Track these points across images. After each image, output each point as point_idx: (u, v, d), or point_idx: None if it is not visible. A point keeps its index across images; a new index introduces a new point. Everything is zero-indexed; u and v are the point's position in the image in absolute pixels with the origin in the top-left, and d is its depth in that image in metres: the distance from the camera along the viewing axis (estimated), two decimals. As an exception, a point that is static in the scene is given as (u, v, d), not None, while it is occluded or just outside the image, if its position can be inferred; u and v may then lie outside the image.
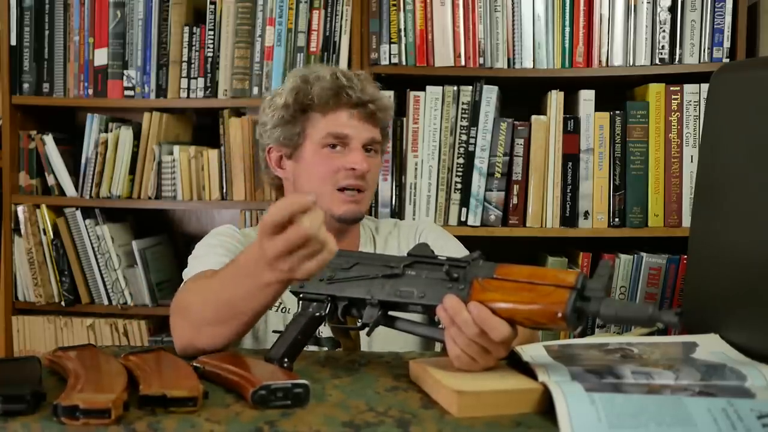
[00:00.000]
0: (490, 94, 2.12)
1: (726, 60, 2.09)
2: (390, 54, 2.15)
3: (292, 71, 1.65)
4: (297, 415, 0.91)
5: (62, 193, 2.34)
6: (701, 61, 2.11)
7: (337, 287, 1.11)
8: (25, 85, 2.33)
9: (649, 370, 0.98)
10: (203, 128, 2.46)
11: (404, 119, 2.15)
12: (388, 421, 0.89)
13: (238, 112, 2.30)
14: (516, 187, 2.13)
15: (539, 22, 2.13)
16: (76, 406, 0.85)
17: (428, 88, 2.15)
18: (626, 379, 0.95)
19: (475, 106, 2.12)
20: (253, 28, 2.24)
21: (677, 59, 2.12)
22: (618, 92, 2.27)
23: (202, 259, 1.42)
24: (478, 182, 2.12)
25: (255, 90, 2.24)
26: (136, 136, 2.29)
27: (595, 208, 2.13)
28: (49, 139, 2.34)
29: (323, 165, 1.46)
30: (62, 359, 1.05)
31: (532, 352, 1.05)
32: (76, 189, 2.32)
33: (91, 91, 2.31)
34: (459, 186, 2.14)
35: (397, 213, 2.17)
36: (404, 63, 2.16)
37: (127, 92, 2.30)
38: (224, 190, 2.26)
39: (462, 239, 1.61)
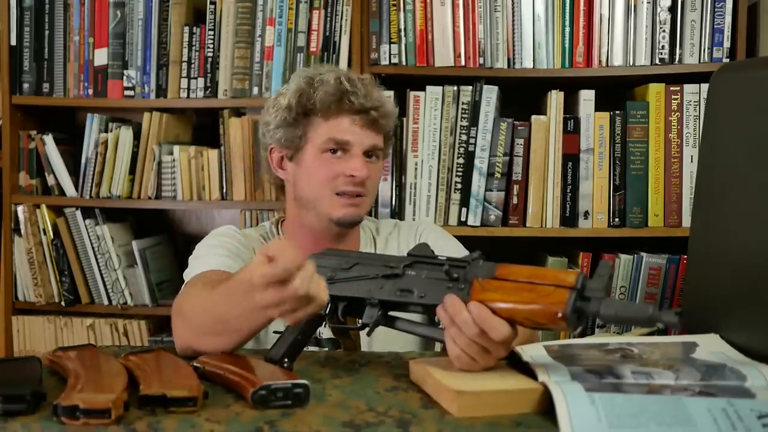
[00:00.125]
0: (490, 94, 2.12)
1: (726, 60, 2.09)
2: (390, 54, 2.15)
3: (298, 71, 1.64)
4: (297, 415, 0.91)
5: (62, 193, 2.34)
6: (701, 61, 2.10)
7: (338, 287, 1.11)
8: (25, 85, 2.33)
9: (649, 370, 0.98)
10: (203, 128, 2.45)
11: (404, 119, 2.15)
12: (388, 421, 0.89)
13: (238, 112, 2.30)
14: (516, 187, 2.13)
15: (539, 22, 2.13)
16: (76, 406, 0.85)
17: (428, 88, 2.15)
18: (626, 379, 0.95)
19: (475, 106, 2.12)
20: (253, 28, 2.24)
21: (677, 59, 2.12)
22: (618, 92, 2.27)
23: (202, 259, 1.42)
24: (478, 182, 2.12)
25: (255, 90, 2.24)
26: (136, 136, 2.29)
27: (595, 208, 2.13)
28: (49, 139, 2.34)
29: (323, 169, 1.46)
30: (62, 359, 1.05)
31: (532, 352, 1.05)
32: (76, 189, 2.32)
33: (91, 91, 2.31)
34: (459, 186, 2.14)
35: (397, 213, 2.17)
36: (404, 63, 2.16)
37: (127, 92, 2.30)
38: (224, 190, 2.26)
39: (462, 239, 1.60)
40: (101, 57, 2.30)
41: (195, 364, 1.07)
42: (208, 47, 2.26)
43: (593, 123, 2.11)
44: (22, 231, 2.32)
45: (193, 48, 2.27)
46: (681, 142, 2.10)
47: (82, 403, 0.85)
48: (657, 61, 2.12)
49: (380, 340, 1.35)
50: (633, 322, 0.93)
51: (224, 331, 1.12)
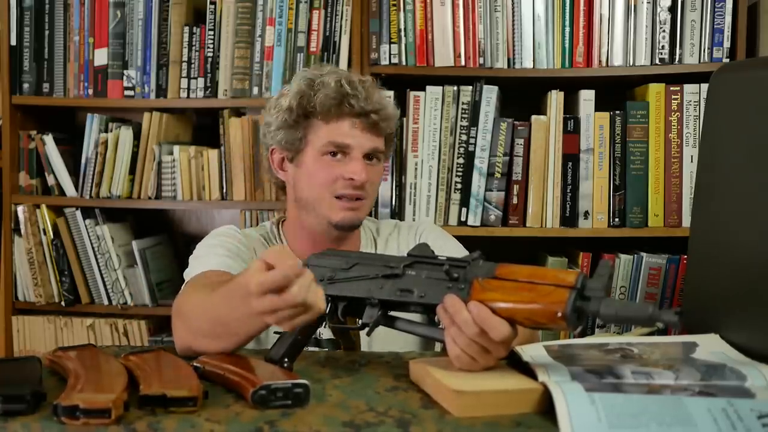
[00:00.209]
0: (490, 94, 2.12)
1: (726, 60, 2.09)
2: (390, 54, 2.15)
3: (300, 72, 1.64)
4: (297, 415, 0.91)
5: (62, 193, 2.34)
6: (701, 61, 2.11)
7: (337, 287, 1.11)
8: (25, 85, 2.33)
9: (649, 370, 0.98)
10: (203, 128, 2.46)
11: (404, 119, 2.15)
12: (388, 421, 0.89)
13: (238, 112, 2.30)
14: (516, 187, 2.13)
15: (539, 22, 2.13)
16: (77, 406, 0.85)
17: (428, 88, 2.15)
18: (626, 379, 0.95)
19: (475, 106, 2.12)
20: (253, 28, 2.24)
21: (677, 59, 2.12)
22: (618, 92, 2.27)
23: (202, 259, 1.42)
24: (478, 182, 2.12)
25: (255, 90, 2.24)
26: (136, 136, 2.29)
27: (595, 208, 2.13)
28: (49, 139, 2.34)
29: (323, 172, 1.45)
30: (62, 359, 1.05)
31: (532, 352, 1.05)
32: (76, 189, 2.32)
33: (91, 91, 2.31)
34: (459, 186, 2.14)
35: (397, 213, 2.17)
36: (404, 63, 2.16)
37: (127, 92, 2.30)
38: (224, 190, 2.26)
39: (462, 239, 1.60)
40: (101, 57, 2.30)
41: (195, 364, 1.07)
42: (208, 47, 2.26)
43: (593, 123, 2.11)
44: (22, 231, 2.32)
45: (193, 48, 2.27)
46: (681, 142, 2.10)
47: (82, 403, 0.85)
48: (657, 61, 2.12)
49: (380, 340, 1.35)
50: (633, 322, 0.93)
51: (223, 333, 1.12)
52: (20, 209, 2.32)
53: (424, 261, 1.07)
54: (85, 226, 2.31)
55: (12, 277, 2.35)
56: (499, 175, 2.12)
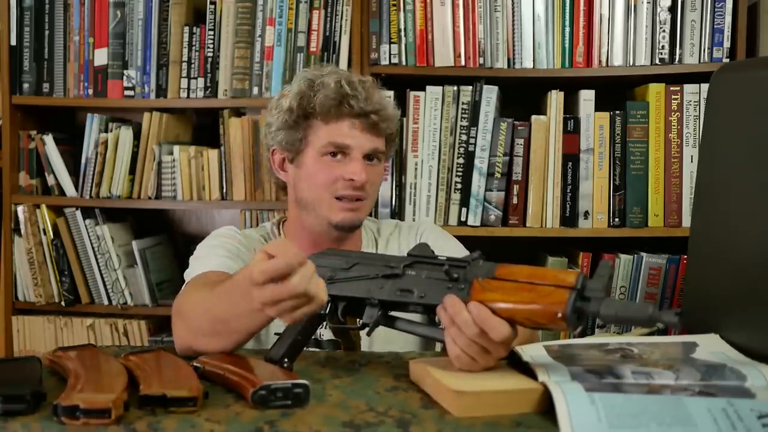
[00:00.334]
0: (490, 94, 2.12)
1: (726, 60, 2.09)
2: (390, 54, 2.15)
3: (300, 72, 1.64)
4: (297, 415, 0.91)
5: (62, 193, 2.34)
6: (701, 61, 2.10)
7: (338, 287, 1.11)
8: (25, 85, 2.33)
9: (649, 370, 0.98)
10: (203, 128, 2.46)
11: (404, 119, 2.15)
12: (388, 421, 0.89)
13: (238, 112, 2.30)
14: (516, 187, 2.13)
15: (539, 22, 2.13)
16: (77, 406, 0.85)
17: (428, 88, 2.15)
18: (626, 379, 0.95)
19: (475, 106, 2.12)
20: (253, 28, 2.24)
21: (677, 59, 2.12)
22: (618, 92, 2.27)
23: (203, 260, 1.42)
24: (478, 182, 2.12)
25: (255, 90, 2.24)
26: (136, 136, 2.29)
27: (595, 208, 2.13)
28: (49, 139, 2.34)
29: (323, 173, 1.45)
30: (62, 359, 1.05)
31: (532, 352, 1.05)
32: (76, 189, 2.32)
33: (91, 91, 2.31)
34: (459, 186, 2.14)
35: (397, 213, 2.17)
36: (404, 63, 2.16)
37: (127, 92, 2.30)
38: (224, 190, 2.26)
39: (462, 239, 1.60)
40: (101, 57, 2.30)
41: (195, 364, 1.07)
42: (208, 47, 2.26)
43: (593, 123, 2.11)
44: (22, 231, 2.32)
45: (193, 48, 2.27)
46: (681, 142, 2.10)
47: (82, 403, 0.85)
48: (657, 61, 2.12)
49: (381, 341, 1.35)
50: (633, 322, 0.93)
51: (224, 331, 1.12)
52: (20, 209, 2.32)
53: (424, 261, 1.08)
54: (85, 226, 2.31)
55: (12, 277, 2.35)
56: (499, 175, 2.12)
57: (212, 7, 2.26)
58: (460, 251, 1.53)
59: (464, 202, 2.14)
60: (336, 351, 1.38)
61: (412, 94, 2.16)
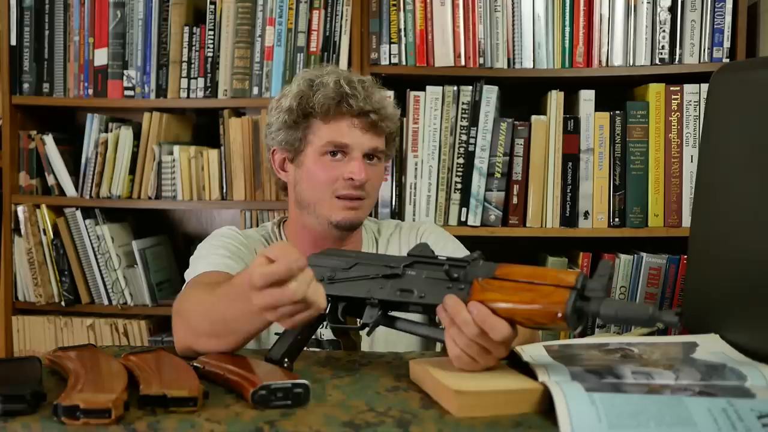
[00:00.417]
0: (490, 94, 2.12)
1: (726, 60, 2.09)
2: (390, 54, 2.15)
3: (301, 72, 1.64)
4: (297, 415, 0.91)
5: (62, 193, 2.34)
6: (701, 61, 2.11)
7: (338, 287, 1.11)
8: (25, 85, 2.33)
9: (649, 370, 0.98)
10: (203, 128, 2.46)
11: (404, 119, 2.15)
12: (388, 421, 0.89)
13: (238, 112, 2.30)
14: (516, 187, 2.13)
15: (539, 22, 2.13)
16: (77, 406, 0.85)
17: (428, 88, 2.15)
18: (626, 379, 0.95)
19: (475, 106, 2.12)
20: (253, 28, 2.24)
21: (677, 59, 2.12)
22: (618, 92, 2.27)
23: (203, 260, 1.42)
24: (478, 182, 2.12)
25: (255, 90, 2.24)
26: (136, 136, 2.29)
27: (595, 208, 2.13)
28: (49, 139, 2.34)
29: (323, 172, 1.45)
30: (62, 359, 1.05)
31: (532, 352, 1.05)
32: (76, 189, 2.32)
33: (91, 91, 2.31)
34: (459, 186, 2.14)
35: (397, 213, 2.17)
36: (404, 63, 2.16)
37: (127, 92, 2.30)
38: (224, 190, 2.26)
39: (462, 239, 1.60)
40: (101, 57, 2.30)
41: (195, 364, 1.07)
42: (208, 47, 2.26)
43: (593, 123, 2.11)
44: (22, 231, 2.32)
45: (193, 48, 2.27)
46: (681, 142, 2.10)
47: (82, 403, 0.85)
48: (657, 61, 2.12)
49: (381, 341, 1.35)
50: (633, 322, 0.93)
51: (223, 332, 1.12)
52: (20, 209, 2.32)
53: (424, 261, 1.08)
54: (85, 226, 2.31)
55: (12, 277, 2.35)
56: (499, 175, 2.12)
57: (212, 7, 2.26)
58: (460, 251, 1.53)
59: (464, 202, 2.14)
60: (336, 351, 1.38)
61: (412, 94, 2.16)
